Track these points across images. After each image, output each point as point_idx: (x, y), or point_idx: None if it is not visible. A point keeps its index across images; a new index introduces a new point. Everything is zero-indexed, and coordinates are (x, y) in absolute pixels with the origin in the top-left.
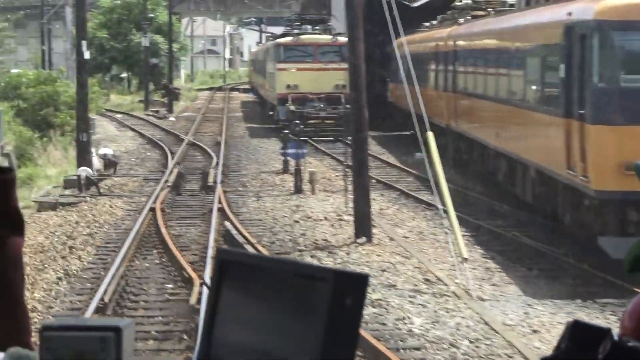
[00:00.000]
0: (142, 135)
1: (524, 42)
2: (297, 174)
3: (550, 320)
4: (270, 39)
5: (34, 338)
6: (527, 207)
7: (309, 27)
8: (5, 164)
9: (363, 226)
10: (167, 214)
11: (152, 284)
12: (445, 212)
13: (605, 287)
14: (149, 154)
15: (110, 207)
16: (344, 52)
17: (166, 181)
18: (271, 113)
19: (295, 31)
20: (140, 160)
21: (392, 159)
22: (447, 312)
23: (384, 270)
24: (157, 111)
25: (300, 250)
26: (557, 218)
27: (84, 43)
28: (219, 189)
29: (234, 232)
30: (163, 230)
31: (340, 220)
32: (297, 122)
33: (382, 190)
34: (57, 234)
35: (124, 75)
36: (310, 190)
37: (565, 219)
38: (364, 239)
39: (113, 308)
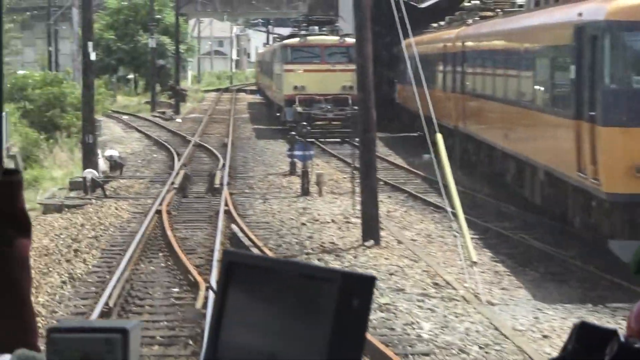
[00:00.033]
0: (148, 136)
1: (533, 43)
2: (304, 175)
3: (561, 325)
4: (278, 40)
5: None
6: (536, 209)
7: (316, 28)
8: (12, 165)
9: (371, 229)
10: (173, 217)
11: (158, 287)
12: (454, 214)
13: (616, 291)
14: (155, 155)
15: (116, 209)
16: (351, 53)
17: (172, 183)
18: (278, 114)
19: (303, 32)
20: (146, 162)
21: (399, 161)
22: (456, 316)
23: (392, 274)
24: (163, 112)
25: (307, 254)
26: (566, 220)
27: (90, 44)
28: (225, 191)
29: (240, 235)
30: (169, 233)
31: (348, 222)
32: (304, 123)
33: (389, 192)
34: (62, 236)
35: (131, 76)
36: (318, 193)
37: (575, 221)
38: (371, 242)
39: (118, 313)
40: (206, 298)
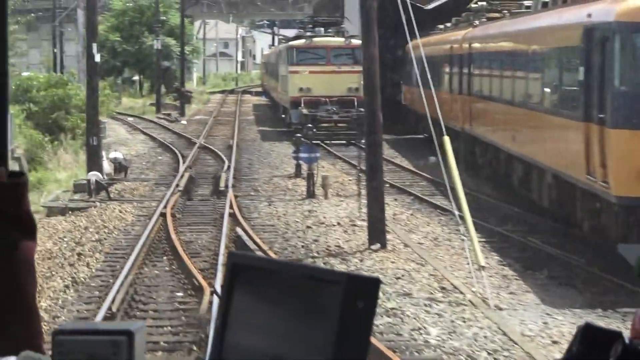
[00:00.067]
0: (153, 138)
1: (541, 45)
2: (310, 178)
3: (571, 330)
4: (283, 41)
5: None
6: (543, 212)
7: (322, 29)
8: (16, 167)
9: (377, 232)
10: (177, 220)
11: (162, 292)
12: (462, 217)
13: (626, 295)
14: (160, 157)
15: (120, 212)
16: (356, 54)
17: (177, 185)
18: (283, 116)
19: (308, 34)
20: (151, 164)
21: (405, 163)
22: (464, 321)
23: (398, 278)
24: (168, 114)
25: (312, 257)
26: (574, 224)
27: (94, 46)
28: (230, 194)
29: (245, 238)
30: (173, 236)
31: (354, 225)
32: (310, 125)
33: (395, 194)
34: (65, 240)
35: (136, 78)
36: (323, 195)
37: (584, 225)
38: (377, 245)
39: (121, 318)
40: (210, 303)
